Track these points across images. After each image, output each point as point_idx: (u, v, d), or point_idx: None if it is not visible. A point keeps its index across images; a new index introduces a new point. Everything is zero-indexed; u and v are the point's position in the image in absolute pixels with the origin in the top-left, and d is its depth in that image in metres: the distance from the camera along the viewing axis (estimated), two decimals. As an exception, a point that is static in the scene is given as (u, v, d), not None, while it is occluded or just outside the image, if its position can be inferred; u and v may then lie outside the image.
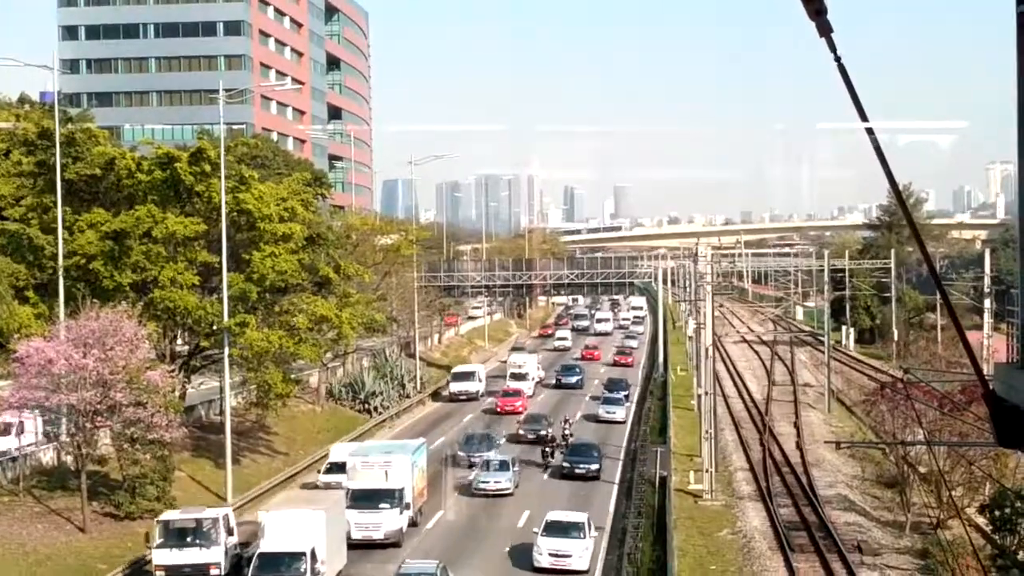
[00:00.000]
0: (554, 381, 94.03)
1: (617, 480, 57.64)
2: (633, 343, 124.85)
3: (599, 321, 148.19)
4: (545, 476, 59.06)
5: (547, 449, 61.54)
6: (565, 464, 58.57)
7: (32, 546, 41.57)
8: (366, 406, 78.02)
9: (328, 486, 50.79)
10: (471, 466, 57.39)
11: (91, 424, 44.37)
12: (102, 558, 41.81)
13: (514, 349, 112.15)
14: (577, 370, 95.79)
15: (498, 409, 78.59)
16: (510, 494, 53.66)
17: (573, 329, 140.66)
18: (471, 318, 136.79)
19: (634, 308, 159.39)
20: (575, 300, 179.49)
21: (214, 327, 55.00)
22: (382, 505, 44.85)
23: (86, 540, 43.26)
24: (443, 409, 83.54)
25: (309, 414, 73.35)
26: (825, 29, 5.09)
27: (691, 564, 41.92)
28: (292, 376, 61.27)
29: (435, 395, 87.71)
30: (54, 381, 43.59)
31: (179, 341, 61.14)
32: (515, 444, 66.08)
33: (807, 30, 5.17)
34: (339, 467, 51.85)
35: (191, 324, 56.58)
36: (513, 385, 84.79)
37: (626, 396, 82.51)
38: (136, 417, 44.74)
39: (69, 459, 47.70)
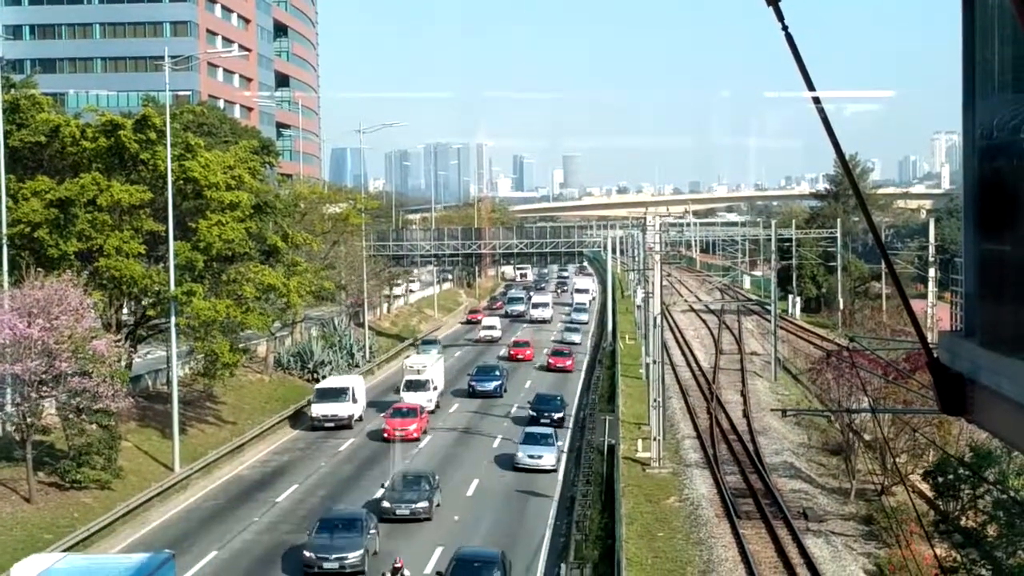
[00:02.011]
0: (467, 388, 74.92)
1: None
2: (575, 337, 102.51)
3: (536, 306, 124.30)
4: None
5: None
6: None
7: (-23, 517, 41.19)
8: (315, 375, 77.77)
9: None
10: None
11: (36, 394, 43.93)
12: (48, 528, 41.51)
13: (424, 343, 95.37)
14: (496, 373, 76.55)
15: (386, 435, 59.20)
16: None
17: (507, 315, 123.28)
18: (410, 291, 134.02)
19: (579, 291, 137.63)
20: (523, 275, 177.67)
21: (160, 296, 54.59)
22: None
23: (32, 510, 42.92)
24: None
25: (257, 384, 73.06)
26: (773, -2, 5.10)
27: (639, 531, 42.20)
28: (240, 346, 60.94)
29: (296, 419, 65.25)
30: (-2, 350, 43.15)
31: (125, 310, 60.58)
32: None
33: (755, -1, 5.17)
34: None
35: (137, 293, 56.11)
36: (409, 398, 66.00)
37: (559, 420, 62.53)
38: (82, 387, 44.37)
39: (13, 429, 47.24)
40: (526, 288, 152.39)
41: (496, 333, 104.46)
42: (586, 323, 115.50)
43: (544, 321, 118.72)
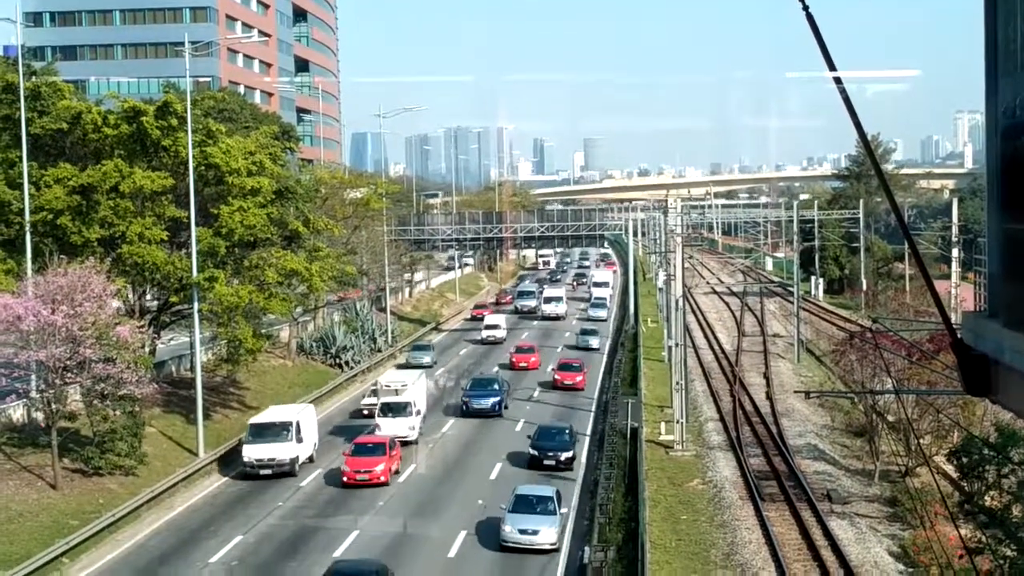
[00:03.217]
0: (460, 405, 63.70)
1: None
2: (593, 340, 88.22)
3: (549, 301, 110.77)
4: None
5: None
6: None
7: (3, 503, 41.46)
8: (337, 360, 78.00)
9: None
10: None
11: (61, 380, 44.18)
12: (74, 514, 41.75)
13: (416, 348, 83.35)
14: (495, 387, 64.47)
15: (345, 480, 47.72)
16: None
17: (516, 311, 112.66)
18: (447, 269, 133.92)
19: (598, 285, 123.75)
20: (545, 263, 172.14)
21: (183, 282, 54.74)
22: None
23: (58, 496, 43.18)
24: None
25: (280, 369, 73.28)
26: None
27: (662, 514, 42.24)
28: (263, 331, 61.13)
29: (226, 461, 51.84)
30: (23, 338, 43.38)
31: (148, 296, 60.84)
32: None
33: (776, -21, 5.12)
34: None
35: (160, 279, 56.27)
36: (386, 426, 54.67)
37: (567, 461, 49.85)
38: (106, 373, 44.60)
39: (39, 416, 47.52)
40: (539, 281, 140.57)
41: (500, 334, 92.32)
42: (605, 320, 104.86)
43: (557, 318, 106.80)
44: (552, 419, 58.78)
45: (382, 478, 47.68)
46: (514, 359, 79.88)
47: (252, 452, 49.67)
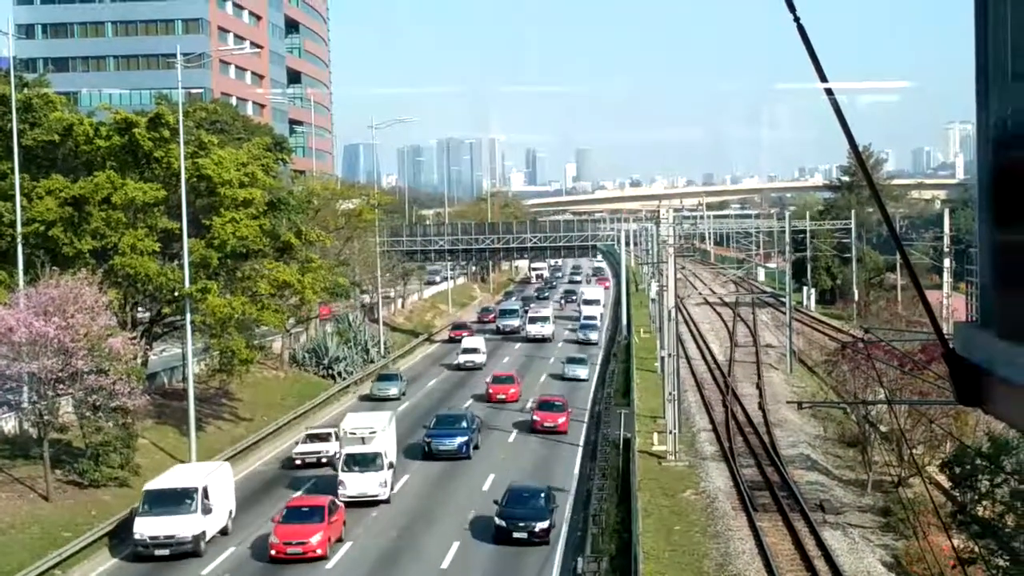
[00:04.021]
0: (423, 447, 54.62)
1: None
2: (581, 371, 77.57)
3: (534, 321, 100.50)
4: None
5: None
6: None
7: (-5, 515, 41.34)
8: (330, 372, 77.89)
9: None
10: None
11: (53, 392, 44.12)
12: (66, 526, 41.63)
13: (381, 378, 73.41)
14: (463, 425, 55.72)
15: (273, 553, 38.95)
16: None
17: (499, 331, 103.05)
18: (429, 283, 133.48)
19: (588, 303, 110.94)
20: (539, 276, 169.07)
21: (175, 294, 54.69)
22: None
23: (50, 508, 43.06)
24: None
25: (273, 380, 73.21)
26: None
27: (655, 525, 42.20)
28: (255, 342, 61.06)
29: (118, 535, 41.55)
30: (15, 349, 43.28)
31: (140, 308, 60.76)
32: None
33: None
34: None
35: (152, 291, 56.24)
36: (353, 483, 45.78)
37: (543, 533, 40.68)
38: (98, 385, 44.52)
39: (31, 427, 47.42)
40: (525, 299, 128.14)
41: (479, 359, 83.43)
42: (596, 343, 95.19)
43: (544, 340, 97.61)
44: (529, 471, 50.33)
45: (319, 551, 38.77)
46: (491, 390, 69.90)
47: (145, 527, 39.36)
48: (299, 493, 47.23)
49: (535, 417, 60.55)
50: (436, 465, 52.86)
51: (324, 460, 52.60)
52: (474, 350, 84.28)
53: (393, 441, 51.70)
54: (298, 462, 53.06)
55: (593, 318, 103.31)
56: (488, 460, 54.23)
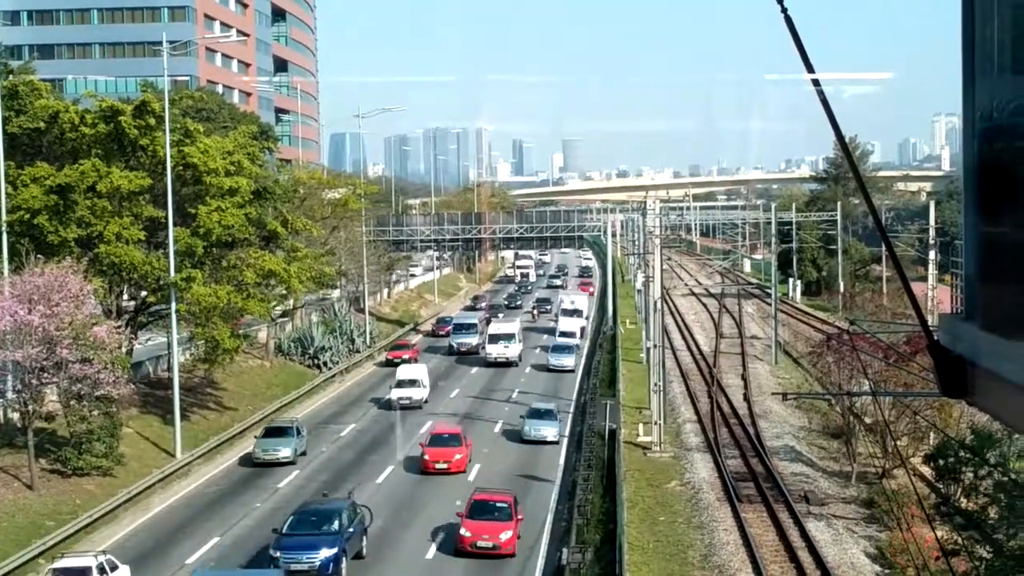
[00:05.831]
0: (268, 564, 35.42)
1: None
2: (548, 431, 54.38)
3: (495, 340, 79.67)
4: None
5: None
6: None
7: (-22, 504, 41.23)
8: (315, 361, 77.81)
9: None
10: None
11: (37, 381, 43.97)
12: (50, 515, 41.58)
13: (270, 433, 52.98)
14: (332, 525, 36.16)
15: None
16: None
17: (451, 351, 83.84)
18: (411, 275, 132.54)
19: (567, 313, 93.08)
20: (524, 274, 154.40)
21: (160, 282, 54.58)
22: None
23: (34, 497, 42.97)
24: None
25: (258, 369, 73.10)
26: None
27: (640, 515, 42.27)
28: (240, 331, 60.95)
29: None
30: (-1, 337, 43.17)
31: (125, 297, 60.62)
32: None
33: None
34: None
35: (137, 279, 56.11)
36: None
37: None
38: (83, 374, 44.41)
39: (15, 416, 47.29)
40: (494, 308, 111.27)
41: (418, 394, 64.50)
42: (572, 371, 75.36)
43: (508, 364, 78.31)
44: None
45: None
46: (427, 456, 48.89)
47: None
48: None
49: (464, 532, 37.80)
50: None
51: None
52: (412, 382, 65.15)
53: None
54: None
55: (571, 334, 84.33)
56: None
